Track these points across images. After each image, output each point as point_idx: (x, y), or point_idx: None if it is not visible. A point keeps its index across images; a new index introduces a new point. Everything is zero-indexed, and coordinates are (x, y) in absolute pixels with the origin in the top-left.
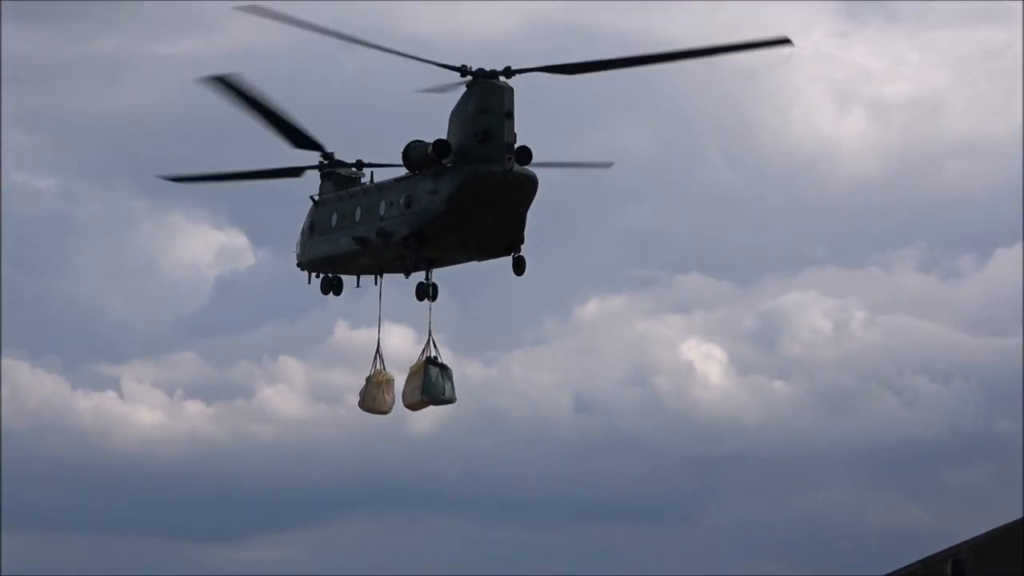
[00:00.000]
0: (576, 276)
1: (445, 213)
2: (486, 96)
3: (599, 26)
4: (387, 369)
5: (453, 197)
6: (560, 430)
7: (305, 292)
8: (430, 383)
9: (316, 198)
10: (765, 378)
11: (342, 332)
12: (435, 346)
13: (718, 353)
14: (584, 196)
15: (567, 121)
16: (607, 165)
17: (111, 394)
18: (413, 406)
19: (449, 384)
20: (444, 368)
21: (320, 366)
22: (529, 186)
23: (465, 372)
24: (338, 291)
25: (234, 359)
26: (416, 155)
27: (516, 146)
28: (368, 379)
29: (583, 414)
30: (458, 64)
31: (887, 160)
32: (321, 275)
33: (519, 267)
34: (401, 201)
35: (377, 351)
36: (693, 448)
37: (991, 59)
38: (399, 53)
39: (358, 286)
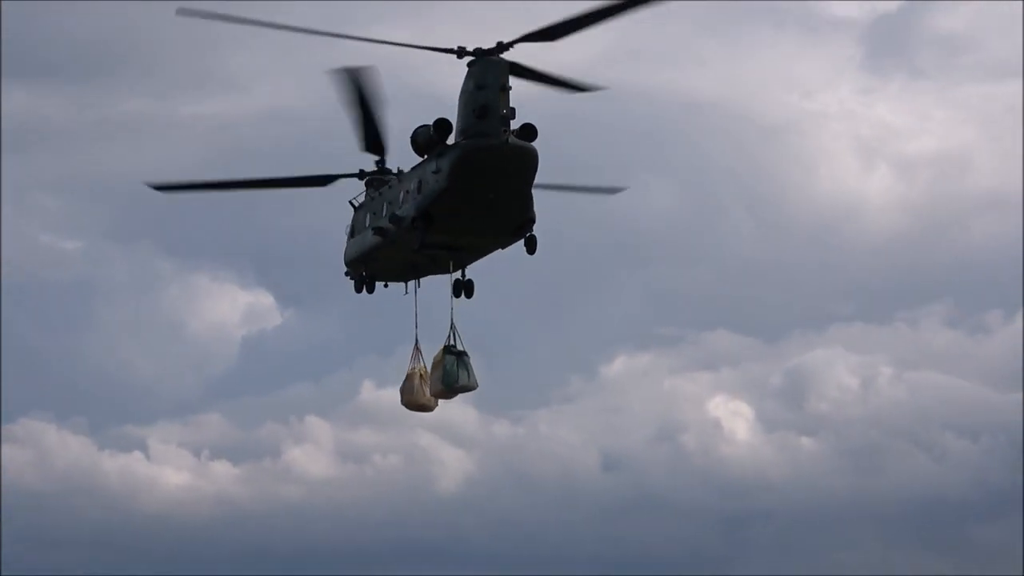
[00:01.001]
0: (602, 334)
1: (447, 190)
2: (482, 73)
3: (625, 84)
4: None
5: (452, 172)
6: (587, 488)
7: (331, 352)
8: (446, 372)
9: (355, 203)
10: (792, 435)
11: (368, 392)
12: (455, 334)
13: (745, 410)
14: (610, 254)
15: (593, 179)
16: (615, 191)
17: (138, 455)
18: (438, 395)
19: (464, 372)
20: (461, 355)
21: (347, 426)
22: (528, 158)
23: (492, 431)
24: (371, 289)
25: (261, 419)
26: (422, 139)
27: (521, 123)
28: (408, 374)
29: (610, 472)
30: (455, 47)
31: (913, 216)
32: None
33: (531, 246)
34: (414, 187)
35: (415, 347)
36: (721, 505)
37: (1016, 114)
38: (392, 43)
39: (406, 293)
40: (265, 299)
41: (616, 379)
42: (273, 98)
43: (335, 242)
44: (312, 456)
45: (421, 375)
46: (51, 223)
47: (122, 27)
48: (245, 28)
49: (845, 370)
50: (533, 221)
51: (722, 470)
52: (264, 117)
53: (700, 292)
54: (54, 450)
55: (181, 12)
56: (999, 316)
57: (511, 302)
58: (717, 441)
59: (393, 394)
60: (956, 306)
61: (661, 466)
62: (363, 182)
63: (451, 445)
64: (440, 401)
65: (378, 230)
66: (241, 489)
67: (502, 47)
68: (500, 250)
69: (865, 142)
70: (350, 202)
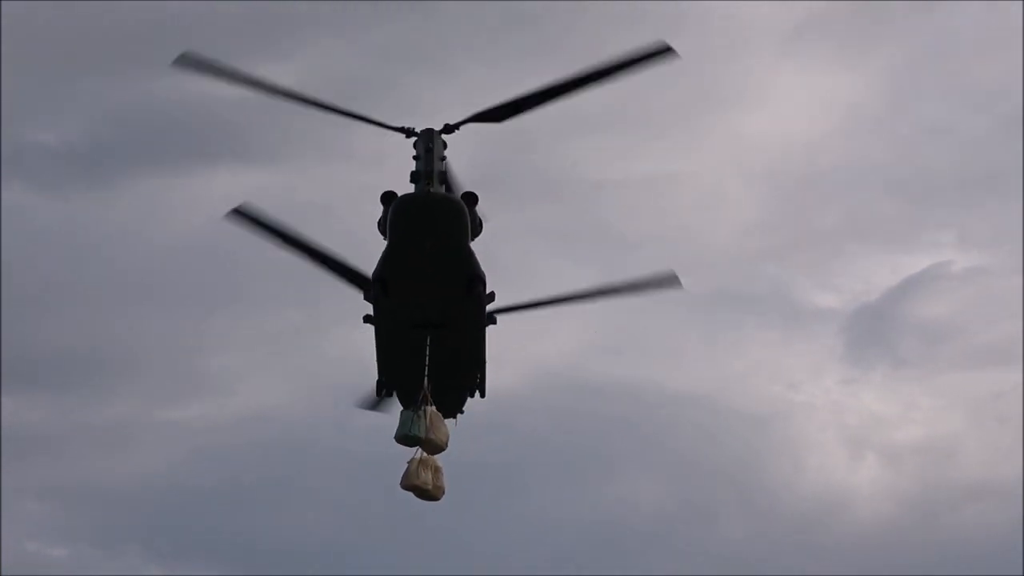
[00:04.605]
0: None
1: (389, 252)
2: (417, 144)
3: (606, 378)
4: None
5: (390, 231)
6: None
7: None
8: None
9: None
10: None
11: None
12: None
13: None
14: (595, 549)
15: (579, 471)
16: (675, 283)
17: None
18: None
19: (401, 427)
20: (415, 410)
21: None
22: (449, 206)
23: None
24: (389, 393)
25: None
26: (381, 219)
27: (464, 191)
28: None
29: None
30: (405, 126)
31: (902, 505)
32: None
33: (479, 299)
34: None
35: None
36: None
37: (1000, 401)
38: (350, 114)
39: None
40: None
41: None
42: (259, 400)
43: (322, 540)
44: None
45: (421, 459)
46: (36, 531)
47: (101, 333)
48: (229, 327)
49: None
50: (481, 279)
51: None
52: (248, 418)
53: None
54: None
55: None
56: None
57: None
58: None
59: None
60: None
61: None
62: None
63: None
64: (444, 487)
65: (367, 318)
66: None
67: (448, 128)
68: (474, 335)
69: (852, 432)
70: None
